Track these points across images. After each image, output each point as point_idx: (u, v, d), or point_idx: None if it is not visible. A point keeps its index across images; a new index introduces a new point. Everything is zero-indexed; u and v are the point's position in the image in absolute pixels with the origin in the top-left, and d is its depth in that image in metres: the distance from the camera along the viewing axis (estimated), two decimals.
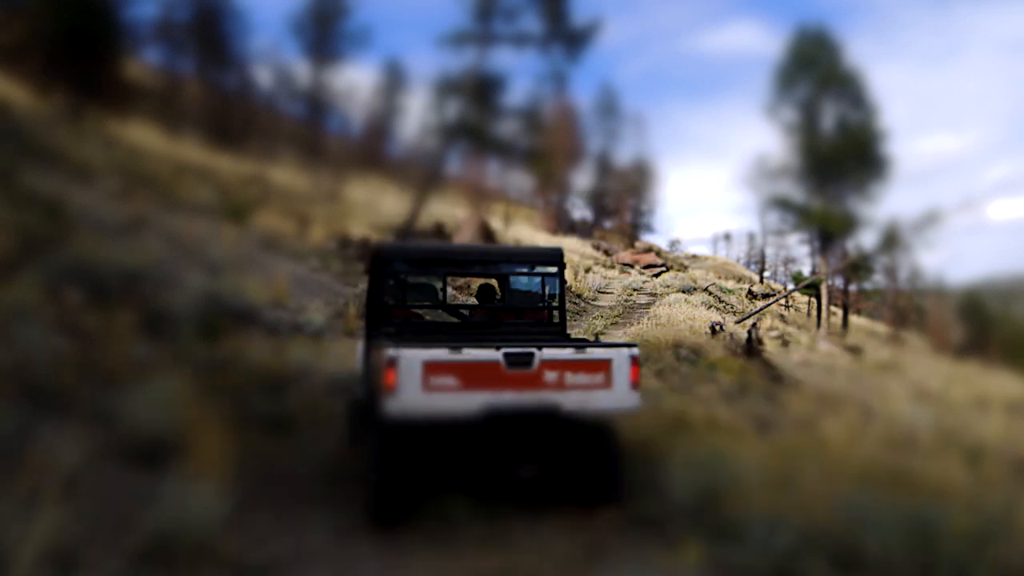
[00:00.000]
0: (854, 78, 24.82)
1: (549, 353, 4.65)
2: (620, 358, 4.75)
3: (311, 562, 4.27)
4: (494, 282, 6.74)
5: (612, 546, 4.72)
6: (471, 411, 4.48)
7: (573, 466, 4.87)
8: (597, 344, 5.25)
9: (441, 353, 4.51)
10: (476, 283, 8.72)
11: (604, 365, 4.70)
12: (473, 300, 7.46)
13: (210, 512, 4.14)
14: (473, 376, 4.50)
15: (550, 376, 4.58)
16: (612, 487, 4.88)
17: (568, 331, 6.31)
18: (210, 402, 5.89)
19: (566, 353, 4.74)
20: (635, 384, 4.76)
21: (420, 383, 4.41)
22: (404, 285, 6.18)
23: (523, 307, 6.34)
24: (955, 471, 6.08)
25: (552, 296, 6.23)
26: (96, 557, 3.70)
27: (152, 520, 4.01)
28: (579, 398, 4.63)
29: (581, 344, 5.07)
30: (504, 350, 4.61)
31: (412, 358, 4.43)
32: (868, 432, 7.93)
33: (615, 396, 4.69)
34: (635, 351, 4.89)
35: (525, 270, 6.42)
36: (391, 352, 4.47)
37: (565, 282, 6.23)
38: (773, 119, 25.10)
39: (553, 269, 6.12)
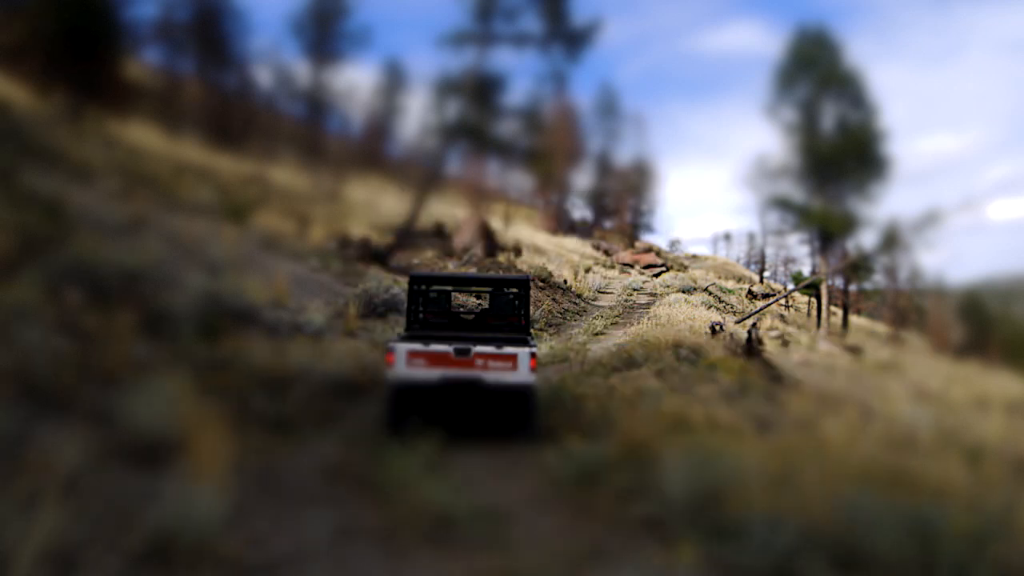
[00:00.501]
0: (854, 78, 24.77)
1: (479, 348, 7.34)
2: (523, 354, 7.34)
3: (311, 562, 4.27)
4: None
5: (611, 546, 4.72)
6: (432, 379, 7.28)
7: (500, 413, 7.42)
8: (512, 344, 7.55)
9: (417, 346, 7.34)
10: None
11: (512, 357, 7.33)
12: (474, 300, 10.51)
13: (210, 512, 4.14)
14: (435, 359, 7.31)
15: (479, 362, 7.31)
16: (525, 426, 7.35)
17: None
18: (210, 402, 5.89)
19: (490, 348, 7.35)
20: (532, 369, 7.36)
21: (405, 362, 7.27)
22: (427, 298, 9.06)
23: (502, 314, 9.14)
24: (955, 471, 6.07)
25: (521, 308, 9.05)
26: (96, 557, 3.70)
27: (152, 520, 4.01)
28: (496, 375, 7.30)
29: (501, 344, 7.49)
30: (454, 346, 7.35)
31: (401, 348, 7.32)
32: (868, 432, 7.91)
33: (518, 375, 7.30)
34: (533, 350, 7.49)
35: (504, 291, 9.37)
36: (390, 344, 7.45)
37: (529, 299, 9.14)
38: (773, 119, 25.02)
39: (521, 291, 9.08)
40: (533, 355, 7.41)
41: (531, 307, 9.50)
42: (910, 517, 4.53)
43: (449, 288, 9.59)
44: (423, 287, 9.01)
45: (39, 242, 8.05)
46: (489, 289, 9.88)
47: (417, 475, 5.48)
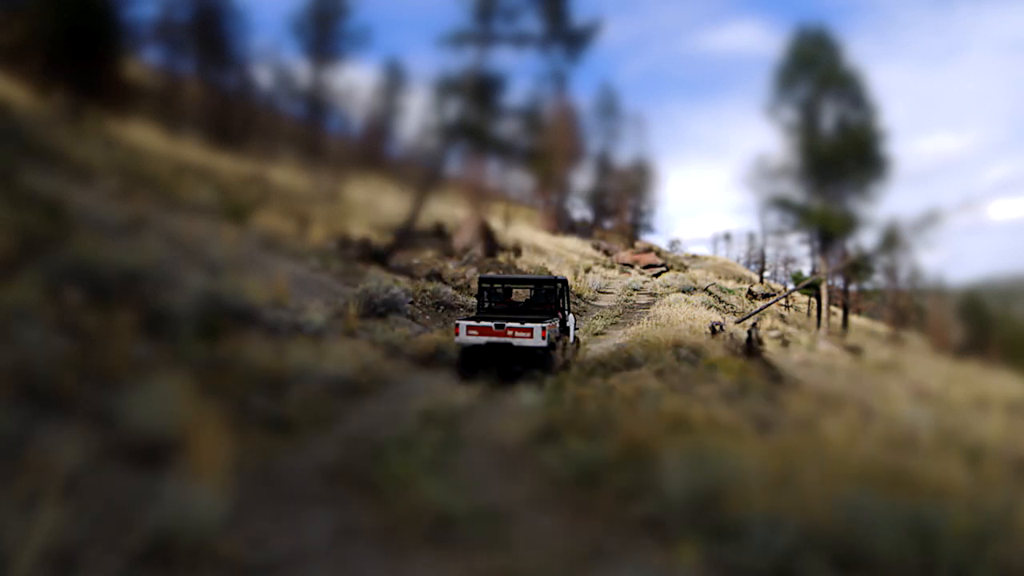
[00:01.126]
0: (854, 78, 24.77)
1: (510, 324, 11.09)
2: (537, 328, 10.94)
3: (311, 562, 4.27)
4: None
5: (612, 546, 4.72)
6: (482, 342, 11.08)
7: (528, 364, 10.87)
8: (532, 321, 11.26)
9: (472, 322, 11.27)
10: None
11: (530, 330, 10.94)
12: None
13: (210, 512, 4.14)
14: (483, 330, 11.10)
15: (510, 332, 11.00)
16: (546, 371, 10.75)
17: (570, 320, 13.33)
18: (210, 402, 5.89)
19: (516, 324, 11.06)
20: (543, 337, 10.91)
21: (466, 332, 11.11)
22: (491, 292, 12.93)
23: (541, 302, 12.90)
24: (955, 471, 6.06)
25: (556, 298, 12.89)
26: (96, 557, 3.70)
27: (152, 520, 4.01)
28: (520, 340, 10.97)
29: (524, 320, 11.31)
30: (494, 322, 11.23)
31: (463, 323, 11.24)
32: (868, 432, 7.90)
33: (534, 341, 10.93)
34: (545, 325, 11.02)
35: (544, 287, 13.19)
36: (457, 321, 11.57)
37: (561, 293, 12.93)
38: (773, 119, 25.04)
39: (554, 287, 12.99)
40: (544, 329, 10.97)
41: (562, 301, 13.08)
42: (910, 517, 4.53)
43: (505, 285, 13.53)
44: (489, 284, 13.05)
45: (39, 242, 8.05)
46: (533, 286, 13.60)
47: (417, 475, 5.48)
